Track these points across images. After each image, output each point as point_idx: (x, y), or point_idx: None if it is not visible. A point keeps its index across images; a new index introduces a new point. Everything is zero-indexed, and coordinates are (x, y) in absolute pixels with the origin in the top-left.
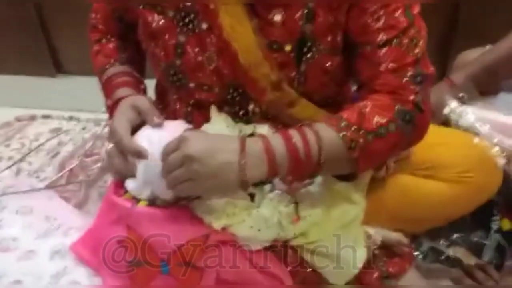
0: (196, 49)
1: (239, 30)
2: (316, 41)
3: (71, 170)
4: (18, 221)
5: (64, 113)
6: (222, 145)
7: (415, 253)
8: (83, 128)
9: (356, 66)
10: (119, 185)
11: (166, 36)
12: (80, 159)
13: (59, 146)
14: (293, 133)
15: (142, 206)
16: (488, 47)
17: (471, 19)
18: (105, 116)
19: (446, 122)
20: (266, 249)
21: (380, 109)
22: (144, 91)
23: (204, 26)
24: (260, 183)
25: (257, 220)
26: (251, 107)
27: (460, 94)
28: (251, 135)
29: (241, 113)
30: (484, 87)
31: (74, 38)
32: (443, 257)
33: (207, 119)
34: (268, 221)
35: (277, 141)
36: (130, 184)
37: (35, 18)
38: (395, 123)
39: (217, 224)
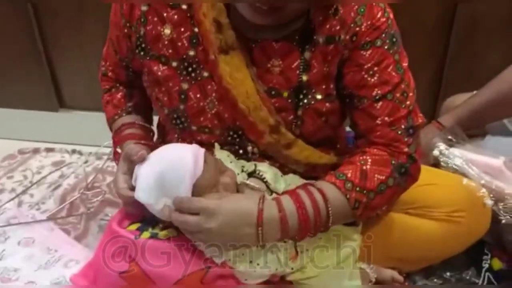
0: (198, 95)
1: (238, 78)
2: (312, 89)
3: (72, 202)
4: (20, 252)
5: (67, 146)
6: (241, 219)
7: None
8: (85, 162)
9: (354, 119)
10: (125, 217)
11: (170, 84)
12: (81, 192)
13: (61, 179)
14: (304, 198)
15: (144, 238)
16: (474, 92)
17: (458, 66)
18: (107, 150)
19: (435, 163)
20: (264, 283)
21: (379, 165)
22: (151, 138)
23: (205, 74)
24: None
25: (256, 256)
26: (249, 148)
27: (449, 137)
28: (253, 172)
29: (240, 152)
30: (471, 130)
31: (77, 74)
32: None
33: None
34: (267, 257)
35: (290, 209)
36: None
37: (41, 53)
38: (393, 178)
39: (217, 259)
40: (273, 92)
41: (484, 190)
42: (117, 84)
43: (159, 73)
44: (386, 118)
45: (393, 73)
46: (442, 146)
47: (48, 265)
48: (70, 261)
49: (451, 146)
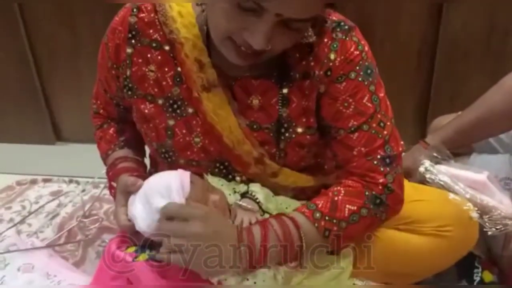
0: (184, 131)
1: (221, 114)
2: (292, 123)
3: (69, 230)
4: (20, 278)
5: (65, 177)
6: (225, 235)
7: None
8: (83, 191)
9: (333, 149)
10: (123, 241)
11: (157, 120)
12: (79, 220)
13: (58, 208)
14: (276, 226)
15: (142, 260)
16: (460, 113)
17: (443, 90)
18: (104, 179)
19: (421, 181)
20: None
21: (351, 196)
22: (144, 170)
23: (190, 110)
24: None
25: (253, 274)
26: (238, 178)
27: (434, 154)
28: (245, 193)
29: (230, 176)
30: (457, 149)
31: (73, 108)
32: None
33: None
34: (264, 275)
35: (258, 238)
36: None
37: (38, 89)
38: (367, 208)
39: (214, 279)
40: (254, 126)
41: (469, 204)
42: (108, 120)
43: (146, 110)
44: (362, 149)
45: (368, 104)
46: (427, 163)
47: None
48: (69, 286)
49: (436, 163)
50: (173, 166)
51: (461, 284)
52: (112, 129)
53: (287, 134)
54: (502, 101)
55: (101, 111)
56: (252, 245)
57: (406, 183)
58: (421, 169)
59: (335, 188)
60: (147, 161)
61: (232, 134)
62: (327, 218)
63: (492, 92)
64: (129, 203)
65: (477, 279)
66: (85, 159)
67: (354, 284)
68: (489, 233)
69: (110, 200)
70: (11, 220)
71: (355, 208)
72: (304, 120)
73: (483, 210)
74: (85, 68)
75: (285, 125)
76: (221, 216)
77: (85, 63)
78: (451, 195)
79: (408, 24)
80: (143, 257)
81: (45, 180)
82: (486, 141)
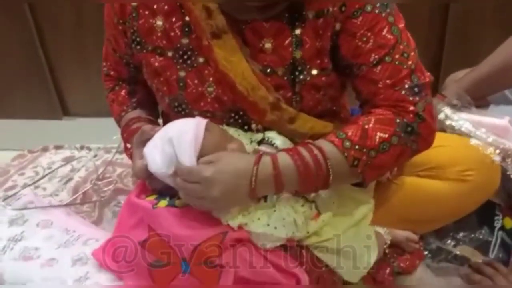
0: (196, 81)
1: (233, 60)
2: (307, 65)
3: (84, 193)
4: (40, 233)
5: (75, 143)
6: (239, 180)
7: (425, 253)
8: (95, 156)
9: (356, 87)
10: (142, 191)
11: (168, 73)
12: (93, 182)
13: (71, 172)
14: (304, 153)
15: (161, 207)
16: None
17: (456, 51)
18: (115, 144)
19: (442, 129)
20: (281, 248)
21: (382, 124)
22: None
23: (201, 60)
24: None
25: (273, 218)
26: (253, 126)
27: (454, 101)
28: (262, 140)
29: (246, 127)
30: (475, 100)
31: (79, 82)
32: (450, 256)
33: None
34: (284, 220)
35: (287, 163)
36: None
37: (43, 64)
38: (397, 136)
39: (233, 223)
40: (268, 71)
41: (491, 148)
42: (119, 82)
43: (156, 63)
44: (388, 81)
45: (389, 36)
46: (447, 110)
47: (68, 244)
48: (89, 240)
49: (457, 111)
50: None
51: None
52: (123, 90)
53: (301, 77)
54: None
55: (112, 72)
56: (277, 170)
57: None
58: (441, 116)
59: (365, 117)
60: (160, 122)
61: (246, 81)
62: (357, 147)
63: (509, 43)
64: (144, 149)
65: (498, 225)
66: (92, 133)
67: (375, 231)
68: None
69: (123, 164)
70: (25, 185)
71: (386, 136)
72: (318, 61)
73: (506, 154)
74: (91, 43)
75: (299, 68)
76: (229, 167)
77: (90, 37)
78: (473, 141)
79: None
80: (163, 203)
81: (57, 147)
82: (502, 94)
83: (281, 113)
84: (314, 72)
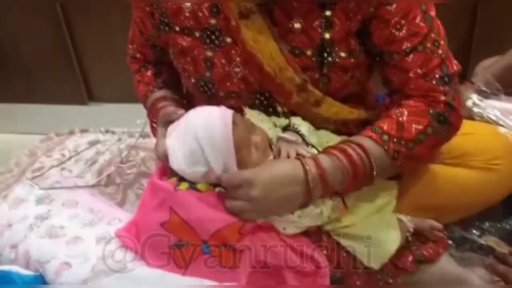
0: (223, 61)
1: (261, 41)
2: (335, 47)
3: (108, 175)
4: (65, 212)
5: (100, 127)
6: (284, 179)
7: (449, 242)
8: (119, 140)
9: (387, 75)
10: (164, 172)
11: (195, 52)
12: (117, 165)
13: (96, 155)
14: (350, 151)
15: (183, 189)
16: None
17: (487, 36)
18: (139, 129)
19: (469, 116)
20: (301, 233)
21: (416, 116)
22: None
23: (228, 40)
24: None
25: (300, 210)
26: (279, 109)
27: (483, 88)
28: (288, 126)
29: (270, 109)
30: (505, 88)
31: (105, 68)
32: (475, 246)
33: None
34: (313, 210)
35: (331, 164)
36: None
37: (70, 50)
38: (432, 127)
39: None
40: (296, 52)
41: None
42: (145, 64)
43: (184, 43)
44: (419, 70)
45: (421, 24)
46: (475, 97)
47: (92, 223)
48: (113, 220)
49: (485, 98)
50: (212, 100)
51: None
52: (149, 71)
53: (330, 59)
54: None
55: (138, 55)
56: (323, 175)
57: None
58: (469, 103)
59: (397, 110)
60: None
61: (274, 61)
62: (395, 140)
63: None
64: (167, 134)
65: None
66: (116, 118)
67: (398, 218)
68: None
69: (146, 148)
70: (52, 166)
71: (422, 127)
72: (346, 44)
73: None
74: (117, 30)
75: (328, 50)
76: (269, 169)
77: (117, 24)
78: (501, 129)
79: None
80: (183, 185)
81: (82, 131)
82: None
83: (307, 95)
84: (342, 54)
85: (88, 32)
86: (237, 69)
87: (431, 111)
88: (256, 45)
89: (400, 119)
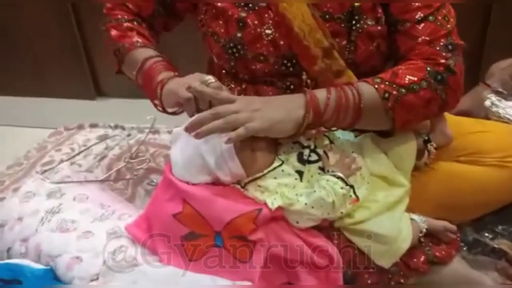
0: (256, 22)
1: (293, 4)
2: (363, 15)
3: (118, 171)
4: (76, 206)
5: (110, 122)
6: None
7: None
8: (128, 135)
9: (396, 42)
10: None
11: (229, 13)
12: (127, 161)
13: (106, 150)
14: (333, 88)
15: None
16: None
17: (499, 38)
18: (148, 124)
19: (487, 116)
20: (314, 228)
21: (412, 70)
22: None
23: (263, 4)
24: (309, 162)
25: (312, 199)
26: (303, 77)
27: (500, 89)
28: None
29: (292, 87)
30: None
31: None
32: (488, 249)
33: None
34: (323, 200)
35: (321, 92)
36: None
37: (79, 45)
38: (427, 81)
39: (270, 201)
40: (327, 16)
41: None
42: (136, 17)
43: (219, 4)
44: (427, 38)
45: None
46: (493, 97)
47: (103, 218)
48: (123, 215)
49: (502, 98)
50: (239, 63)
51: None
52: (144, 25)
53: (358, 25)
54: None
55: (131, 5)
56: (314, 99)
57: (468, 118)
58: (487, 103)
59: (396, 66)
60: None
61: (304, 23)
62: (387, 82)
63: None
64: (172, 140)
65: None
66: (125, 113)
67: (411, 219)
68: None
69: (156, 144)
70: (61, 161)
71: (416, 79)
72: (373, 12)
73: None
74: None
75: (356, 17)
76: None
77: None
78: None
79: None
80: None
81: (92, 126)
82: None
83: (331, 62)
84: (370, 22)
85: (97, 27)
86: (268, 31)
87: (429, 68)
88: (289, 7)
89: (396, 70)
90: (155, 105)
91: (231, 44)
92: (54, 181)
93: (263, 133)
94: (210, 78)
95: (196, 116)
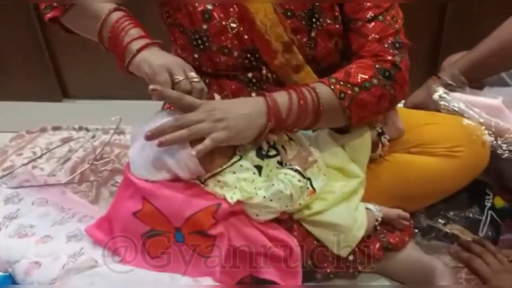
0: (222, 15)
1: (257, 0)
2: (323, 14)
3: (82, 173)
4: (35, 211)
5: (74, 124)
6: (247, 106)
7: (415, 230)
8: (93, 137)
9: (348, 39)
10: None
11: (196, 4)
12: (91, 163)
13: (69, 153)
14: (293, 92)
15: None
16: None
17: (456, 32)
18: (113, 125)
19: (436, 109)
20: (273, 221)
21: (363, 68)
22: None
23: None
24: (267, 156)
25: (270, 192)
26: (264, 71)
27: (449, 82)
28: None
29: (254, 80)
30: (471, 82)
31: (79, 64)
32: (441, 234)
33: (223, 91)
34: (282, 193)
35: (282, 98)
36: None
37: (43, 46)
38: (377, 79)
39: (229, 196)
40: (289, 14)
41: (483, 128)
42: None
43: None
44: (376, 36)
45: (385, 3)
46: (441, 90)
47: (63, 221)
48: (84, 217)
49: (451, 91)
50: (203, 55)
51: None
52: None
53: (318, 23)
54: None
55: None
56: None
57: (420, 111)
58: (435, 96)
59: (348, 66)
60: None
61: (266, 17)
62: (341, 82)
63: (507, 24)
64: (131, 138)
65: (488, 204)
66: (91, 114)
67: (367, 208)
68: (504, 155)
69: (121, 145)
70: (22, 165)
71: (367, 76)
72: (332, 11)
73: (498, 134)
74: None
75: (316, 15)
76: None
77: None
78: (465, 120)
79: None
80: None
81: (55, 128)
82: (498, 75)
83: (291, 57)
84: (329, 20)
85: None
86: (233, 25)
87: (377, 66)
88: (253, 2)
89: (348, 70)
90: (119, 61)
91: (196, 36)
92: (11, 186)
93: (228, 142)
94: (194, 76)
95: (159, 125)
